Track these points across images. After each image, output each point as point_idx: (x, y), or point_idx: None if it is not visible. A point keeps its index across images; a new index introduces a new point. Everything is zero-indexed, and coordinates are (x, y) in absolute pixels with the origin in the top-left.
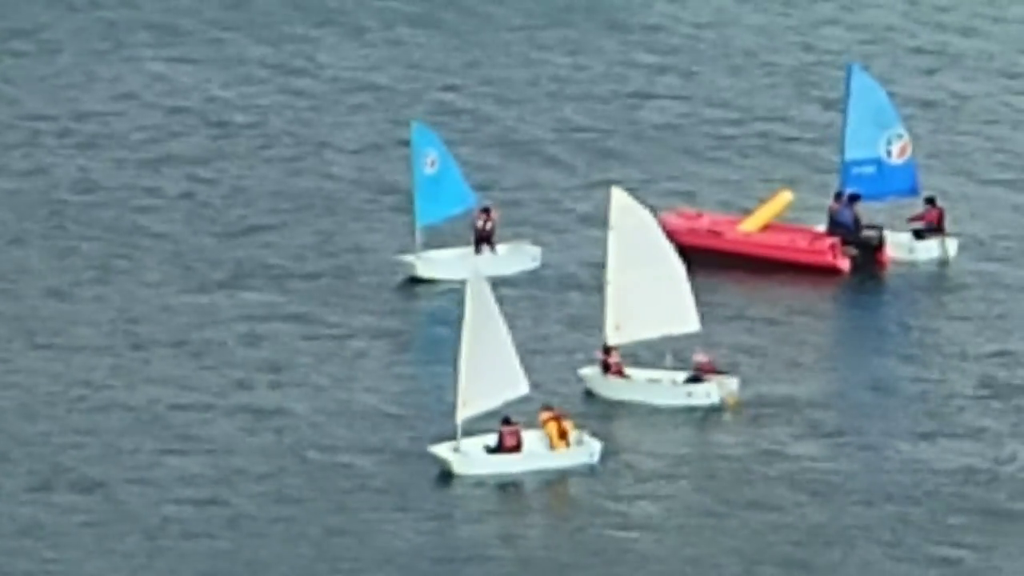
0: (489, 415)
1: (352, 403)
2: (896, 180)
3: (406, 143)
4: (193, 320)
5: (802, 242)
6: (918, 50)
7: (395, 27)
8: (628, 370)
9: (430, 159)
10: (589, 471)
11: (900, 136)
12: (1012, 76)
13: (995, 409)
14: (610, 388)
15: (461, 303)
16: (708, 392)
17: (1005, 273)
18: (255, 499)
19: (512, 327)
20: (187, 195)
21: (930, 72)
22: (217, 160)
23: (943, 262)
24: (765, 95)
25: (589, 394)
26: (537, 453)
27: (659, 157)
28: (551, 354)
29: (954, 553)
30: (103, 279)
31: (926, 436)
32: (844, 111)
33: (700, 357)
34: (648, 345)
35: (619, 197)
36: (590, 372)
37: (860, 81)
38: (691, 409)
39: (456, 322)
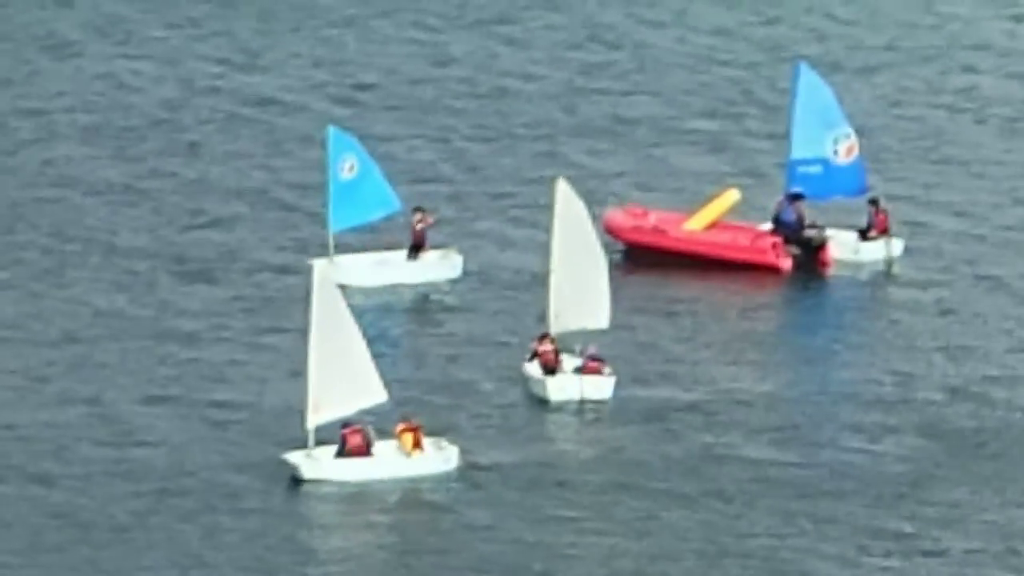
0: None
1: (224, 409)
2: (843, 180)
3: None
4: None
5: (744, 241)
6: (867, 48)
7: (336, 24)
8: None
9: (348, 164)
10: (446, 477)
11: (847, 136)
12: (957, 71)
13: (931, 406)
14: (535, 384)
15: (370, 309)
16: (563, 386)
17: (950, 274)
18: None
19: (442, 331)
20: (132, 190)
21: (877, 70)
22: (153, 157)
23: (888, 262)
24: (716, 91)
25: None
26: (392, 459)
27: (607, 153)
28: (483, 355)
29: (895, 547)
30: (42, 276)
31: (864, 432)
32: (790, 110)
33: (592, 350)
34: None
35: (563, 188)
36: (529, 367)
37: (807, 80)
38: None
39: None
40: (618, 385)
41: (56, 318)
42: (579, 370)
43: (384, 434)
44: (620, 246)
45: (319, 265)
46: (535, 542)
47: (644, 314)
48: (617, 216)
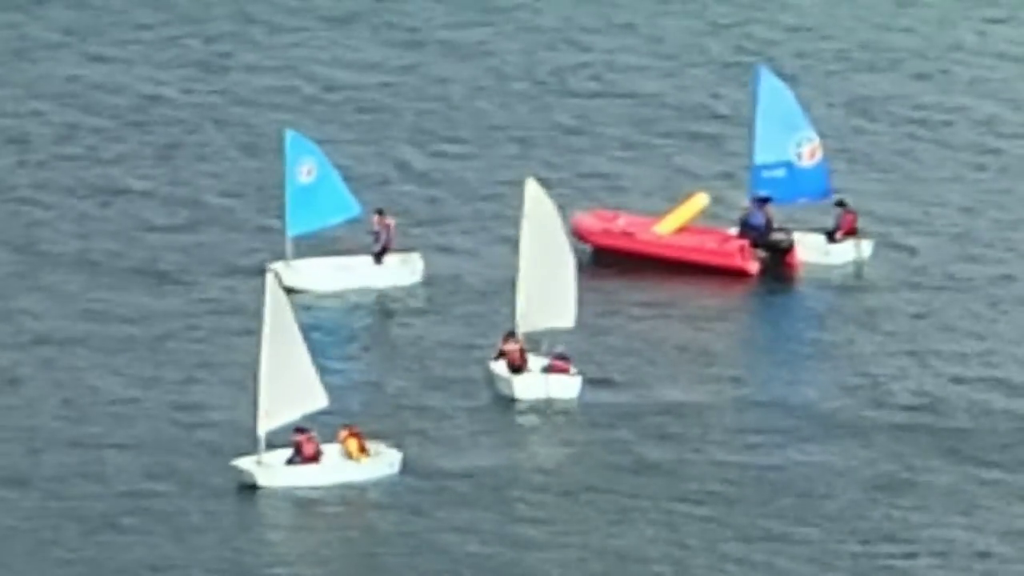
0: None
1: (187, 411)
2: (807, 183)
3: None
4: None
5: (711, 244)
6: (838, 50)
7: (309, 27)
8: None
9: (306, 168)
10: (390, 481)
11: (810, 139)
12: (923, 77)
13: (902, 409)
14: (492, 377)
15: (329, 313)
16: (529, 385)
17: (920, 276)
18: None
19: (401, 336)
20: (90, 194)
21: (846, 72)
22: (121, 160)
23: (858, 264)
24: (688, 93)
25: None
26: (338, 465)
27: (577, 156)
28: (444, 360)
29: (867, 549)
30: (10, 280)
31: (833, 435)
32: (752, 115)
33: (559, 350)
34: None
35: (532, 188)
36: (493, 366)
37: (768, 83)
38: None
39: (314, 333)
40: (585, 387)
41: (26, 321)
42: (546, 369)
43: (326, 439)
44: (589, 249)
45: (275, 270)
46: (506, 542)
47: (611, 317)
48: (586, 219)
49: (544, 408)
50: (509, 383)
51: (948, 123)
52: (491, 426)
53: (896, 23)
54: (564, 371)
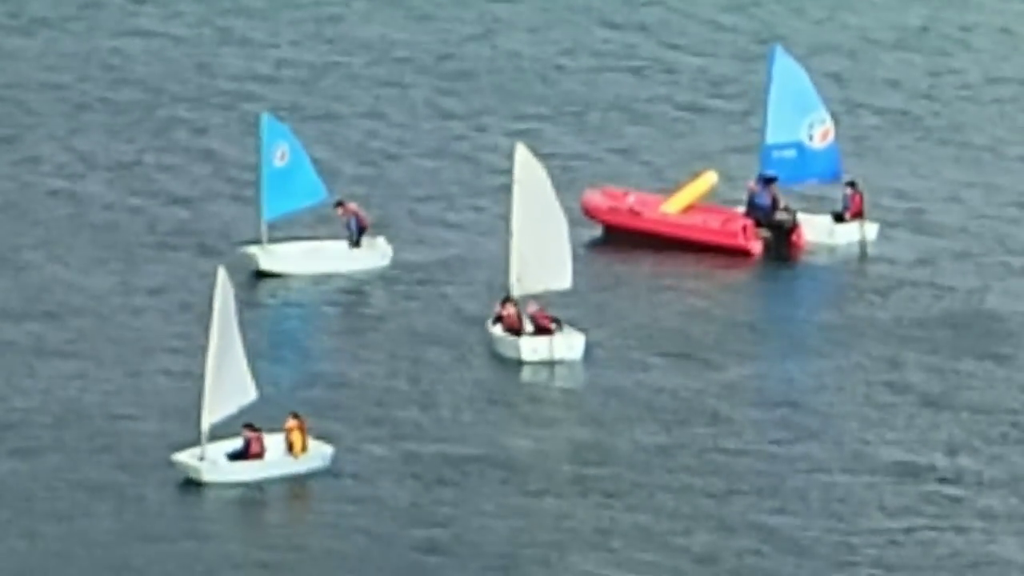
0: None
1: (120, 400)
2: (817, 164)
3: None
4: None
5: (715, 223)
6: (851, 29)
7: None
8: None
9: (280, 152)
10: (325, 475)
11: (822, 121)
12: (941, 53)
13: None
14: (493, 341)
15: (299, 299)
16: (536, 347)
17: (925, 254)
18: None
19: (372, 320)
20: (57, 172)
21: (858, 53)
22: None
23: (862, 246)
24: (707, 71)
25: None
26: (277, 459)
27: (587, 133)
28: (418, 344)
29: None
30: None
31: (836, 416)
32: (766, 94)
33: (532, 308)
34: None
35: (522, 153)
36: (488, 325)
37: (782, 64)
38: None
39: (289, 318)
40: (585, 367)
41: None
42: (535, 330)
43: (268, 430)
44: (597, 227)
45: (251, 253)
46: (498, 524)
47: (613, 296)
48: (595, 197)
49: (537, 385)
50: (515, 345)
51: (963, 101)
52: (479, 407)
53: (913, 6)
54: (546, 320)
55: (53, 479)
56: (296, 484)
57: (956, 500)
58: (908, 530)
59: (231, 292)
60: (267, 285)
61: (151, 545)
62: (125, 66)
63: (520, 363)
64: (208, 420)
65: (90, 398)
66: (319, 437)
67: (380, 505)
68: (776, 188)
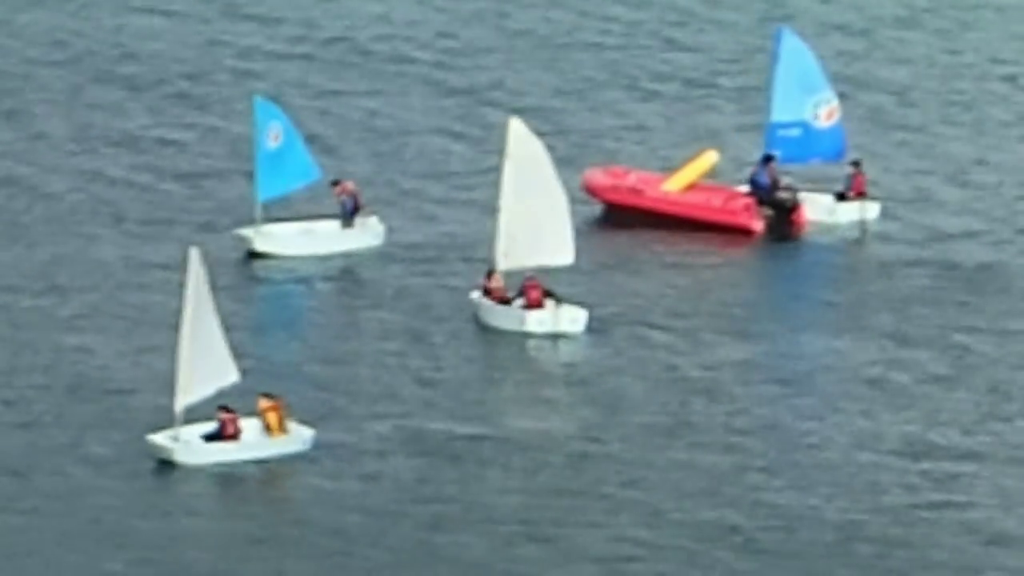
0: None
1: (99, 379)
2: (822, 144)
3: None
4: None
5: (716, 202)
6: (858, 9)
7: None
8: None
9: (273, 133)
10: (304, 458)
11: (828, 100)
12: (948, 32)
13: (906, 369)
14: (487, 313)
15: (291, 280)
16: (541, 320)
17: (925, 235)
18: None
19: (363, 300)
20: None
21: (864, 32)
22: (80, 111)
23: (863, 226)
24: (714, 50)
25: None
26: (255, 441)
27: (593, 111)
28: (407, 322)
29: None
30: None
31: (838, 397)
32: (772, 73)
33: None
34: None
35: (516, 127)
36: (475, 297)
37: (789, 44)
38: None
39: (284, 297)
40: (587, 346)
41: None
42: (526, 305)
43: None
44: (598, 204)
45: (241, 235)
46: (501, 504)
47: (615, 275)
48: (597, 176)
49: (539, 362)
50: (520, 318)
51: (969, 85)
52: (478, 384)
53: None
54: (536, 289)
55: (56, 454)
56: (296, 462)
57: (965, 477)
58: (916, 507)
59: (203, 273)
60: (261, 266)
61: (154, 521)
62: (131, 42)
63: (522, 336)
64: (183, 402)
65: (94, 373)
66: (303, 421)
67: (384, 481)
68: (775, 167)
